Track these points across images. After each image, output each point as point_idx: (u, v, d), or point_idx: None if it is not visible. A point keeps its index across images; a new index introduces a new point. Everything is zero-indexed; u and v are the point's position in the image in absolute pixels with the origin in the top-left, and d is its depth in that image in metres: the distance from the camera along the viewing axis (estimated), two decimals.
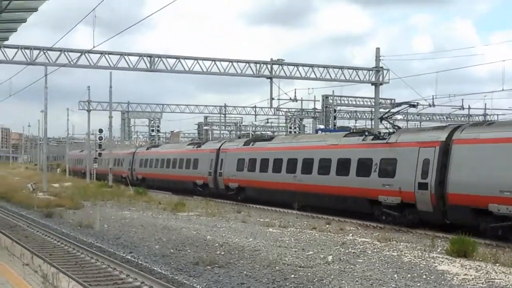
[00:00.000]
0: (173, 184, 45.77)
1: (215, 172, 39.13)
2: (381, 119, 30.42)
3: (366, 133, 27.53)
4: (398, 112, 34.29)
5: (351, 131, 30.54)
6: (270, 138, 38.96)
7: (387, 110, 37.50)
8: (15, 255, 14.37)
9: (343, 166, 26.97)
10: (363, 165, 25.79)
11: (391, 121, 30.59)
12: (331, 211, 27.23)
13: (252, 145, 36.35)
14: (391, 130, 28.19)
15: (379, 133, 27.29)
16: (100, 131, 59.98)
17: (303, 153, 30.41)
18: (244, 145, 37.34)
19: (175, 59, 40.94)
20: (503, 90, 49.05)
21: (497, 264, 15.00)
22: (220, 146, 40.02)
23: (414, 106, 28.00)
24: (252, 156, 35.25)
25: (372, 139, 26.18)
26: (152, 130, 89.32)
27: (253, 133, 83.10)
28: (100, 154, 59.88)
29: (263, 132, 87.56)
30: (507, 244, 18.38)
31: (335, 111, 57.27)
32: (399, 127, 29.15)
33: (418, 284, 12.57)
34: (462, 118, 71.33)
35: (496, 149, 20.14)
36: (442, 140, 22.32)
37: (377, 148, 25.43)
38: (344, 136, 28.94)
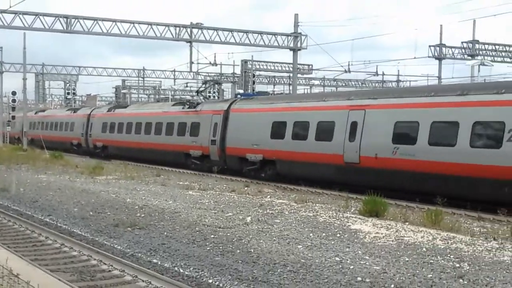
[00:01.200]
0: (55, 144, 49.86)
1: (86, 133, 46.29)
2: (197, 92, 40.73)
3: (187, 103, 35.65)
4: (206, 88, 44.69)
5: (180, 101, 40.74)
6: (126, 106, 46.87)
7: (201, 85, 50.64)
8: None
9: (170, 128, 35.10)
10: (181, 127, 34.08)
11: (203, 94, 40.89)
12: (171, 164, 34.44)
13: (113, 111, 43.83)
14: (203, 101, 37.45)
15: (194, 103, 35.10)
16: (13, 93, 58.20)
17: (145, 118, 38.31)
18: (107, 111, 44.72)
19: (92, 21, 40.22)
20: (415, 58, 50.99)
21: (407, 223, 15.75)
22: (90, 112, 47.17)
23: (218, 83, 44.43)
24: (112, 120, 42.39)
25: (187, 108, 34.49)
26: (68, 93, 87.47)
27: (172, 97, 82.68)
28: (13, 117, 58.30)
29: (182, 96, 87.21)
30: (416, 205, 19.30)
31: (254, 76, 57.75)
32: (207, 98, 39.18)
33: (332, 242, 13.10)
34: (377, 84, 73.23)
35: (250, 117, 29.12)
36: (225, 109, 31.09)
37: (189, 114, 33.87)
38: (173, 105, 37.78)
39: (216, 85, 78.61)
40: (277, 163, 26.71)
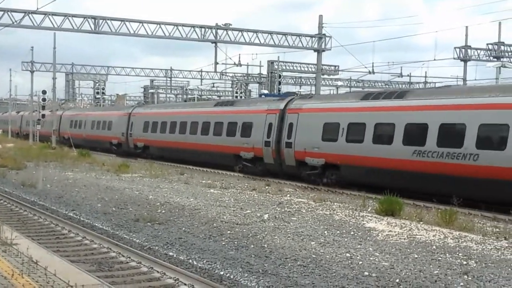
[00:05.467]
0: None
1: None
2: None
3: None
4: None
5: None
6: (69, 108, 67.55)
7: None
8: None
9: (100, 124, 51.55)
10: (103, 124, 50.48)
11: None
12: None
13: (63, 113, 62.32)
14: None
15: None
16: (44, 92, 59.19)
17: (75, 117, 57.87)
18: (61, 113, 61.64)
19: (120, 22, 40.90)
20: (434, 59, 51.08)
21: (421, 222, 15.99)
22: (62, 113, 62.43)
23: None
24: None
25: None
26: (97, 93, 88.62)
27: (199, 97, 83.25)
28: (43, 116, 59.40)
29: (209, 96, 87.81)
30: (433, 205, 19.48)
31: (279, 76, 57.99)
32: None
33: (345, 239, 13.42)
34: (403, 85, 73.00)
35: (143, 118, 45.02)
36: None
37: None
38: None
39: (242, 86, 79.10)
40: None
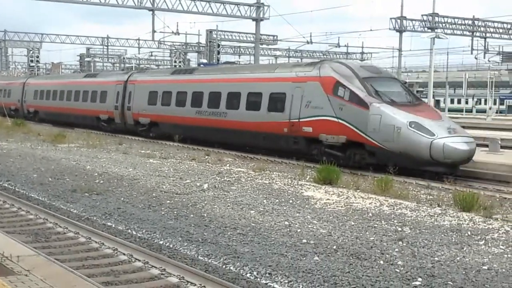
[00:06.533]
0: None
1: None
2: None
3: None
4: None
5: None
6: None
7: None
8: None
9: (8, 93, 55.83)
10: (4, 92, 55.85)
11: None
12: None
13: None
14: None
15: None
16: None
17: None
18: None
19: None
20: (371, 30, 51.99)
21: (358, 191, 16.28)
22: None
23: None
24: None
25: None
26: (31, 61, 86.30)
27: (136, 66, 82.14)
28: None
29: (147, 65, 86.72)
30: (370, 173, 19.88)
31: (218, 46, 57.59)
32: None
33: (284, 208, 13.57)
34: (340, 55, 73.66)
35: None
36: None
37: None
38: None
39: (181, 55, 78.35)
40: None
